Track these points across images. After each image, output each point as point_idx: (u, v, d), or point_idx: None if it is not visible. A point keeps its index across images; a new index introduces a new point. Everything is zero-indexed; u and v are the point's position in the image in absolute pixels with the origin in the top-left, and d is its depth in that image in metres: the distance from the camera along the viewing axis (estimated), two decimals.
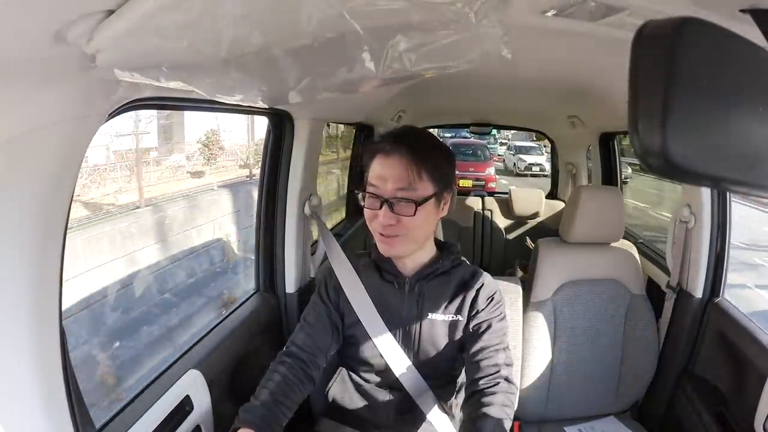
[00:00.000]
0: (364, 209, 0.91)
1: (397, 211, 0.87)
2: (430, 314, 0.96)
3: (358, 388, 1.02)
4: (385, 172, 0.87)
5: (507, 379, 0.91)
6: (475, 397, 0.89)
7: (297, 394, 0.89)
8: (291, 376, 0.89)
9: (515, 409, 1.35)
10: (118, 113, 0.64)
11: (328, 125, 1.97)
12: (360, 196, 0.91)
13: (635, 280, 1.43)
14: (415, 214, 0.86)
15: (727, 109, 0.28)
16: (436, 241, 1.01)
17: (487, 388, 0.89)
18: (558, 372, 1.39)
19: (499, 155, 18.95)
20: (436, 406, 0.98)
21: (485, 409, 0.85)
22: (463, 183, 8.81)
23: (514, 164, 15.76)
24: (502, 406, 0.87)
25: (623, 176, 2.66)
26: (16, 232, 0.50)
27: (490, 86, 1.70)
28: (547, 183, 3.66)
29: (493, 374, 0.90)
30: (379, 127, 2.20)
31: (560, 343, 1.39)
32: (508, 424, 0.86)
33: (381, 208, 0.87)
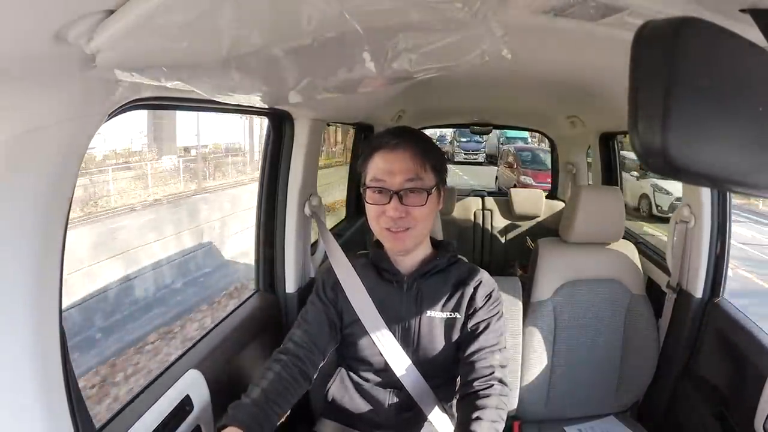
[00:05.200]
0: (368, 207, 0.92)
1: (406, 202, 0.89)
2: (428, 312, 0.96)
3: (358, 387, 1.02)
4: (391, 166, 0.89)
5: (501, 381, 0.91)
6: (469, 399, 0.89)
7: (291, 394, 0.88)
8: (285, 375, 0.89)
9: (514, 409, 1.35)
10: (118, 113, 0.64)
11: (329, 125, 1.97)
12: (364, 193, 0.92)
13: (635, 280, 1.42)
14: (425, 204, 0.89)
15: (727, 109, 0.28)
16: (432, 240, 1.02)
17: (482, 390, 0.89)
18: (558, 372, 1.39)
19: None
20: (436, 406, 0.98)
21: (479, 412, 0.85)
22: None
23: (647, 199, 8.21)
24: (496, 409, 0.87)
25: None
26: (16, 231, 0.50)
27: (490, 86, 1.70)
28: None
29: (487, 376, 0.91)
30: (379, 127, 2.20)
31: (560, 342, 1.39)
32: (501, 426, 0.87)
33: (390, 201, 0.88)
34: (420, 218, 0.90)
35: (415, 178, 0.88)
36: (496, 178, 11.64)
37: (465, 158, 16.47)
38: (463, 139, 16.46)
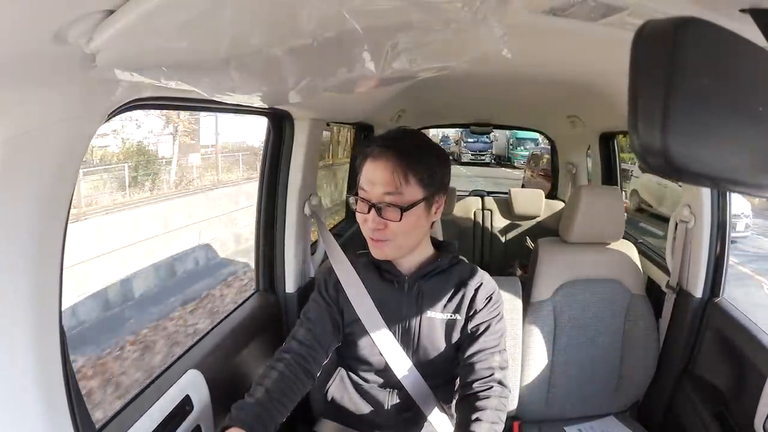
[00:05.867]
0: (356, 213, 0.91)
1: (384, 216, 0.86)
2: (429, 312, 0.96)
3: (358, 387, 1.02)
4: (373, 177, 0.87)
5: (500, 383, 0.91)
6: (469, 400, 0.89)
7: (295, 392, 0.88)
8: (289, 374, 0.88)
9: (514, 409, 1.35)
10: (118, 113, 0.64)
11: (329, 125, 1.97)
12: (352, 200, 0.91)
13: (635, 280, 1.42)
14: (400, 220, 0.85)
15: (727, 109, 0.28)
16: (434, 241, 1.02)
17: (481, 391, 0.89)
18: (558, 372, 1.39)
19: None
20: (436, 407, 0.98)
21: (479, 414, 0.85)
22: None
23: None
24: (496, 411, 0.87)
25: None
26: (16, 231, 0.50)
27: (490, 86, 1.70)
28: None
29: (486, 377, 0.90)
30: (379, 127, 2.19)
31: (560, 343, 1.39)
32: (500, 428, 0.87)
33: (369, 212, 0.87)
34: (398, 232, 0.87)
35: (394, 192, 0.85)
36: (522, 186, 10.65)
37: (472, 159, 16.24)
38: (470, 140, 16.22)
